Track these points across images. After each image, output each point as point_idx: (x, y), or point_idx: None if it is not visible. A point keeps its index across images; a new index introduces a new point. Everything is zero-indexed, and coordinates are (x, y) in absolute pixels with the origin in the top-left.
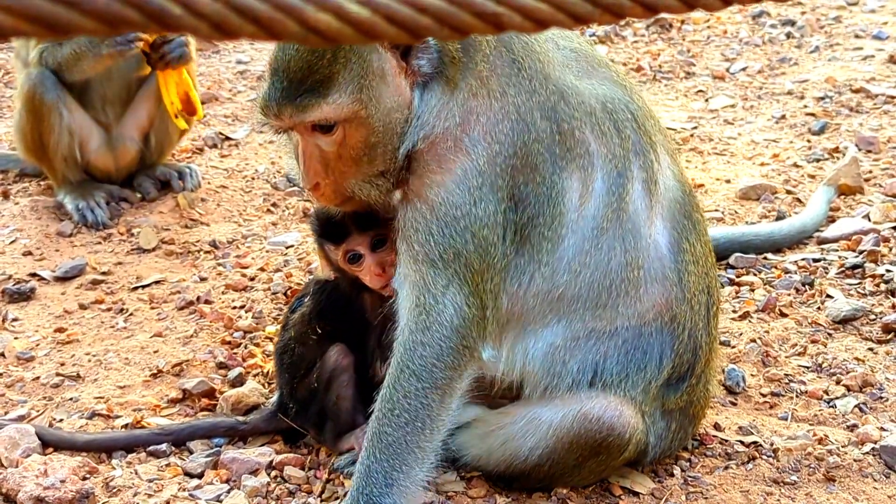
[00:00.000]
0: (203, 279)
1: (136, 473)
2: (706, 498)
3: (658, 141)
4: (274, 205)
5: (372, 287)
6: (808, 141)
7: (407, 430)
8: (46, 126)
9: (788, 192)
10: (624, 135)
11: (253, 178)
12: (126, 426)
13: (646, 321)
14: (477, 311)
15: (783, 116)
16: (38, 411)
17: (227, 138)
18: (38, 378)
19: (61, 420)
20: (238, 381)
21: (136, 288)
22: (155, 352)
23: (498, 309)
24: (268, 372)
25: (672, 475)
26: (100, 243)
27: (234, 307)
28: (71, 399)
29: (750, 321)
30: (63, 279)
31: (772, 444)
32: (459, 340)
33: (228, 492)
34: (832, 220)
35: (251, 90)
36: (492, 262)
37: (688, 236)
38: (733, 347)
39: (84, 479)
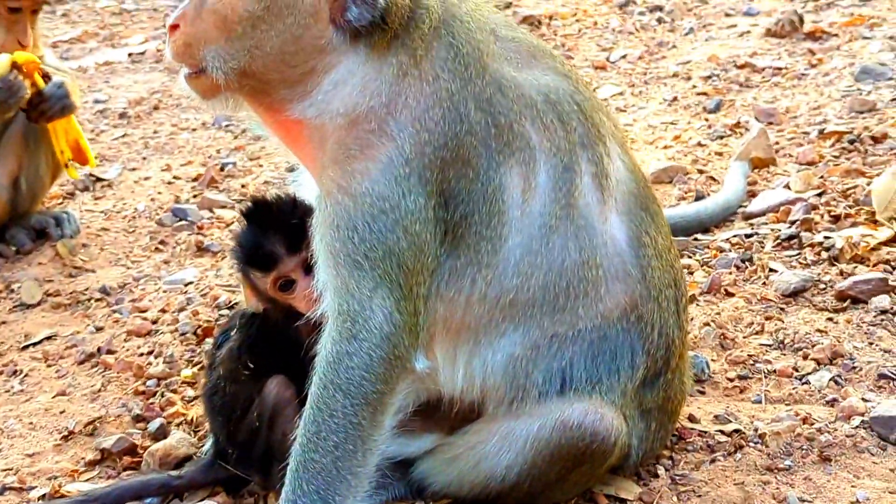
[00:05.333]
0: (99, 329)
1: None
2: (699, 496)
3: (607, 132)
4: (162, 242)
5: (308, 314)
6: (706, 119)
7: (337, 455)
8: None
9: (700, 171)
10: (570, 127)
11: (134, 218)
12: (43, 497)
13: (610, 322)
14: (409, 317)
15: (675, 98)
16: None
17: (99, 179)
18: None
19: None
20: (161, 434)
21: (26, 346)
22: (61, 412)
23: (429, 315)
24: (192, 419)
25: (657, 476)
26: None
27: (142, 354)
28: None
29: (698, 304)
30: None
31: (756, 430)
32: (391, 350)
33: None
34: (752, 194)
35: (114, 128)
36: (425, 262)
37: (647, 229)
38: (689, 333)
39: None
